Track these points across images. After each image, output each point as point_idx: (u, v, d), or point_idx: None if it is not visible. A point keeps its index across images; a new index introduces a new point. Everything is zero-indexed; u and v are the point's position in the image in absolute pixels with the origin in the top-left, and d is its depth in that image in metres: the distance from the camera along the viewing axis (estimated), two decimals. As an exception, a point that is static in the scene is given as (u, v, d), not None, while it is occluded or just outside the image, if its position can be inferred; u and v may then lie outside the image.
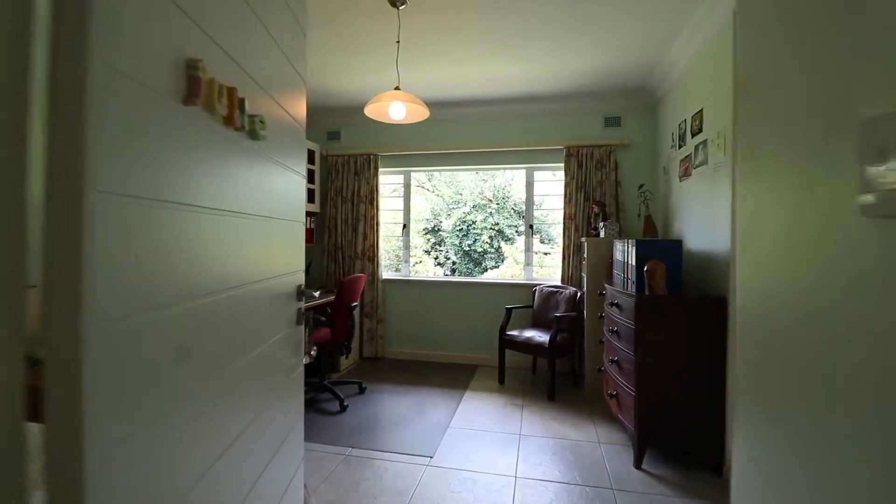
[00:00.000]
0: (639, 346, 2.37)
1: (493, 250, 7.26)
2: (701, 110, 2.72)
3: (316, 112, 4.54)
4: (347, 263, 4.43)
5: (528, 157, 4.20)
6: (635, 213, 3.85)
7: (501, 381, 3.72)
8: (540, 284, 4.02)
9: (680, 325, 2.34)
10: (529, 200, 4.30)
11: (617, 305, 2.64)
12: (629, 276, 2.59)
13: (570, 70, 3.40)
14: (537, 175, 4.30)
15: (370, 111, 2.48)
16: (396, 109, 2.40)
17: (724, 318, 2.29)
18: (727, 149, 2.36)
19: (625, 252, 2.71)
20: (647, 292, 2.39)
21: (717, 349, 2.30)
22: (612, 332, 2.68)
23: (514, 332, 3.65)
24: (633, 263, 2.50)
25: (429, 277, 4.80)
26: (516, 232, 7.25)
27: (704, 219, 2.66)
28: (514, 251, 7.13)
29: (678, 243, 2.48)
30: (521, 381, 3.78)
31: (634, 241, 2.50)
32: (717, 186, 2.47)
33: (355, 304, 3.25)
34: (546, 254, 5.93)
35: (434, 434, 2.75)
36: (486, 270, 7.14)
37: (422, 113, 2.47)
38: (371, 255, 4.37)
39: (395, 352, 4.47)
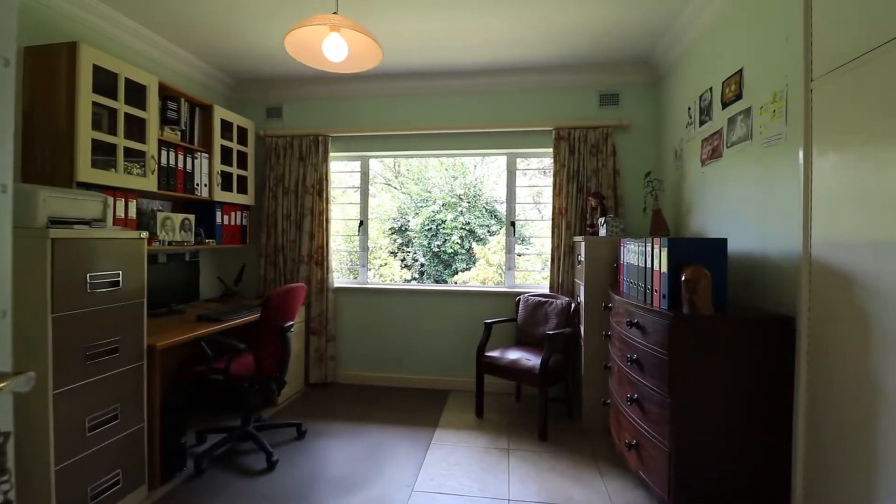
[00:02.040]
0: (675, 384, 1.72)
1: (463, 251, 6.63)
2: (740, 71, 2.11)
3: (251, 83, 3.71)
4: (290, 268, 3.62)
5: (510, 140, 3.51)
6: (638, 206, 3.24)
7: (480, 413, 3.01)
8: (525, 293, 3.35)
9: (733, 354, 1.70)
10: (511, 192, 3.61)
11: (637, 326, 1.98)
12: (655, 287, 1.94)
13: (561, 30, 2.73)
14: (508, 166, 3.62)
15: (294, 46, 1.70)
16: (334, 46, 1.64)
17: (791, 344, 1.67)
18: (789, 114, 1.74)
19: (644, 255, 2.06)
20: (685, 309, 1.74)
21: (781, 388, 1.68)
22: (631, 360, 2.02)
23: (496, 354, 2.95)
24: (664, 270, 1.85)
25: (390, 285, 4.05)
26: (488, 232, 6.66)
27: (750, 211, 2.04)
28: (486, 252, 6.53)
29: (722, 243, 1.84)
30: (503, 412, 3.08)
31: (666, 240, 1.85)
32: (774, 166, 1.85)
33: (290, 324, 2.46)
34: (519, 255, 5.32)
35: (393, 505, 2.01)
36: (457, 273, 6.49)
37: (371, 52, 1.73)
38: (319, 259, 3.57)
39: (348, 376, 3.68)
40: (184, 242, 2.80)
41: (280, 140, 3.64)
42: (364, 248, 3.82)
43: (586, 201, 3.22)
